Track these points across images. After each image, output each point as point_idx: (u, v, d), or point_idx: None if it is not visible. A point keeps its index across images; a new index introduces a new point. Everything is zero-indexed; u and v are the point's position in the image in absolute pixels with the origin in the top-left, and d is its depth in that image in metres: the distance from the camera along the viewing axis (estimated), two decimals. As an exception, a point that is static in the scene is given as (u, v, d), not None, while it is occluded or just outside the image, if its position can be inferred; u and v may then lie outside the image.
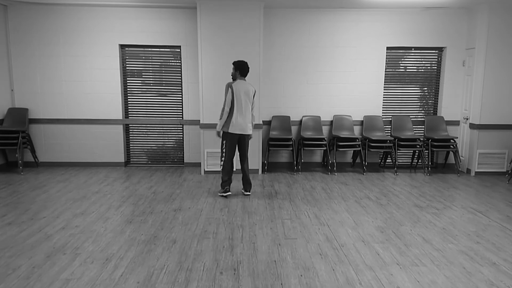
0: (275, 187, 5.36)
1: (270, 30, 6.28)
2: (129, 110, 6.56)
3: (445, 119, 6.49)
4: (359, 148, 6.15)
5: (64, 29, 6.19)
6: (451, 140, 6.24)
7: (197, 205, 4.50)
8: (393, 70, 6.62)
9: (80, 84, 6.32)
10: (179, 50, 6.36)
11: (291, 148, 6.14)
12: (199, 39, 5.80)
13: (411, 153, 6.71)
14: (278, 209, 4.39)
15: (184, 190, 5.14)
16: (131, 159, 6.72)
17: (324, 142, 6.14)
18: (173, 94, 6.53)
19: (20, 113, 6.22)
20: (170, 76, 6.51)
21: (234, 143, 4.73)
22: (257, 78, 5.78)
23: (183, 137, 6.59)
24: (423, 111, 6.76)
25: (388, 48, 6.44)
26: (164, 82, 6.57)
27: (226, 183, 4.81)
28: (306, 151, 6.61)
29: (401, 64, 6.69)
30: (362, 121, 6.50)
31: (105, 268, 2.94)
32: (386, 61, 6.46)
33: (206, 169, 6.08)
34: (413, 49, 6.55)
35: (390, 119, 6.59)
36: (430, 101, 6.74)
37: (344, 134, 6.24)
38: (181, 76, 6.41)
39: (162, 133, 6.68)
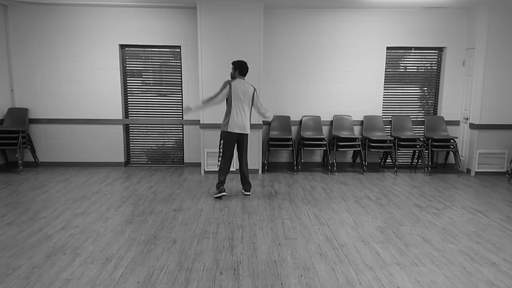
0: (275, 187, 5.36)
1: (270, 30, 6.28)
2: (129, 110, 6.56)
3: (445, 119, 6.49)
4: (359, 148, 6.15)
5: (64, 29, 6.19)
6: (451, 140, 6.24)
7: (197, 205, 4.50)
8: (393, 70, 6.62)
9: (80, 84, 6.32)
10: (179, 50, 6.36)
11: (291, 148, 6.14)
12: (199, 39, 5.80)
13: (411, 153, 6.71)
14: (278, 209, 4.39)
15: (184, 190, 5.14)
16: (131, 159, 6.72)
17: (324, 142, 6.14)
18: (173, 94, 6.53)
19: (20, 113, 6.22)
20: (170, 76, 6.51)
21: (232, 142, 4.72)
22: (257, 78, 5.78)
23: (183, 137, 6.59)
24: (423, 111, 6.76)
25: (388, 48, 6.44)
26: (164, 82, 6.57)
27: (221, 184, 4.78)
28: (306, 151, 6.61)
29: (401, 64, 6.69)
30: (362, 121, 6.51)
31: (105, 268, 2.94)
32: (386, 61, 6.46)
33: (206, 169, 6.08)
34: (413, 49, 6.55)
35: (390, 119, 6.59)
36: (430, 101, 6.74)
37: (344, 134, 6.24)
38: (181, 76, 6.41)
39: (162, 133, 6.68)
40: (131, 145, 6.68)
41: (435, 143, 6.21)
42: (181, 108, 6.50)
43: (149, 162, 6.73)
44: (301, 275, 2.87)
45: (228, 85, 4.59)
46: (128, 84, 6.51)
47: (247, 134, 4.77)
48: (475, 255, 3.25)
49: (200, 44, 5.81)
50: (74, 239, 3.49)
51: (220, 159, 4.78)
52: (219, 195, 4.75)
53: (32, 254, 3.16)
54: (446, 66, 6.44)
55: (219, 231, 3.73)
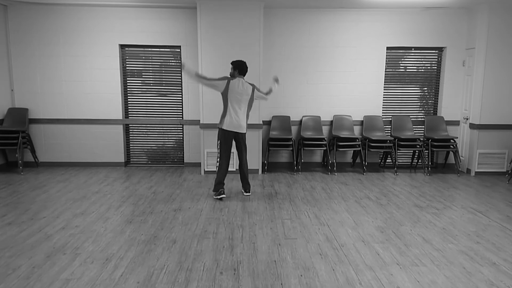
0: (275, 187, 5.36)
1: (270, 30, 6.28)
2: (129, 110, 6.56)
3: (445, 119, 6.49)
4: (359, 148, 6.15)
5: (64, 29, 6.19)
6: (451, 140, 6.24)
7: (197, 205, 4.50)
8: (393, 70, 6.62)
9: (80, 84, 6.32)
10: (179, 50, 6.36)
11: (291, 148, 6.14)
12: (199, 39, 5.80)
13: (411, 153, 6.71)
14: (278, 209, 4.39)
15: (184, 190, 5.14)
16: (131, 159, 6.72)
17: (324, 142, 6.14)
18: (173, 94, 6.54)
19: (20, 113, 6.22)
20: (170, 76, 6.51)
21: (229, 140, 4.69)
22: (257, 78, 5.78)
23: (183, 137, 6.59)
24: (423, 111, 6.77)
25: (388, 48, 6.44)
26: (164, 82, 6.57)
27: (220, 185, 4.73)
28: (306, 151, 6.61)
29: (401, 64, 6.69)
30: (362, 121, 6.51)
31: (105, 268, 2.94)
32: (386, 61, 6.46)
33: (206, 169, 6.08)
34: (413, 49, 6.55)
35: (390, 119, 6.59)
36: (430, 101, 6.74)
37: (344, 134, 6.24)
38: (181, 76, 6.41)
39: (162, 133, 6.68)
40: (131, 145, 6.68)
41: (435, 143, 6.21)
42: (181, 108, 6.50)
43: (149, 162, 6.73)
44: (301, 275, 2.87)
45: (226, 80, 4.57)
46: (128, 84, 6.51)
47: (244, 133, 4.75)
48: (475, 255, 3.25)
49: (200, 44, 5.81)
50: (74, 239, 3.49)
51: (218, 159, 4.76)
52: (218, 197, 4.72)
53: (32, 254, 3.16)
54: (446, 66, 6.44)
55: (219, 231, 3.73)
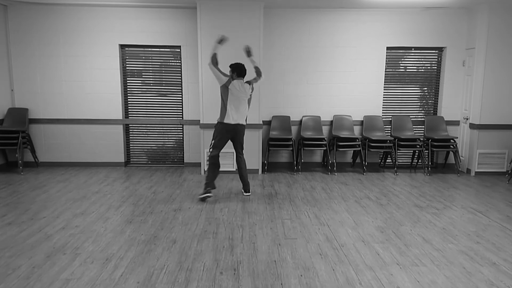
0: (275, 187, 5.36)
1: (270, 30, 6.28)
2: (129, 110, 6.56)
3: (445, 119, 6.49)
4: (359, 148, 6.15)
5: (64, 29, 6.19)
6: (451, 140, 6.24)
7: (197, 205, 4.50)
8: (393, 70, 6.62)
9: (80, 84, 6.32)
10: (179, 50, 6.36)
11: (291, 148, 6.14)
12: (199, 39, 5.80)
13: (411, 153, 6.71)
14: (278, 209, 4.39)
15: (184, 190, 5.14)
16: (131, 159, 6.72)
17: (324, 142, 6.14)
18: (173, 94, 6.54)
19: (20, 113, 6.22)
20: (170, 76, 6.51)
21: (227, 133, 4.64)
22: (257, 78, 5.77)
23: (183, 137, 6.59)
24: (423, 111, 6.77)
25: (388, 48, 6.44)
26: (164, 82, 6.57)
27: (210, 184, 4.67)
28: (306, 151, 6.61)
29: (401, 64, 6.69)
30: (362, 121, 6.51)
31: (105, 268, 2.94)
32: (386, 61, 6.46)
33: (206, 169, 6.07)
34: (413, 49, 6.55)
35: (390, 119, 6.59)
36: (430, 101, 6.74)
37: (344, 134, 6.24)
38: (181, 76, 6.41)
39: (162, 133, 6.68)
40: (131, 145, 6.68)
41: (435, 143, 6.21)
42: (181, 108, 6.50)
43: (149, 162, 6.73)
44: (301, 275, 2.87)
45: (228, 78, 4.56)
46: (128, 84, 6.51)
47: (244, 125, 4.70)
48: (475, 255, 3.25)
49: (200, 44, 5.81)
50: (74, 239, 3.49)
51: (210, 149, 4.70)
52: (204, 196, 4.62)
53: (32, 254, 3.16)
54: (446, 66, 6.44)
55: (219, 231, 3.73)
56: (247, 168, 4.93)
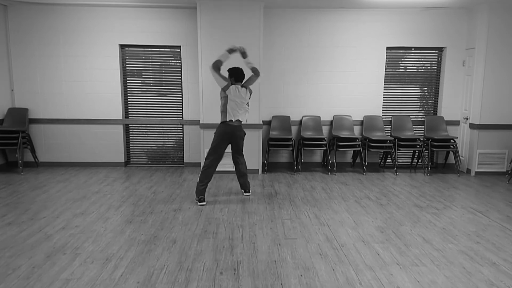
0: (275, 187, 5.36)
1: (270, 30, 6.28)
2: (129, 110, 6.56)
3: (445, 119, 6.49)
4: (359, 148, 6.15)
5: (64, 29, 6.19)
6: (451, 140, 6.24)
7: (197, 205, 4.50)
8: (393, 70, 6.62)
9: (80, 84, 6.32)
10: (179, 50, 6.36)
11: (291, 148, 6.14)
12: (199, 39, 5.80)
13: (411, 153, 6.71)
14: (278, 209, 4.39)
15: (184, 190, 5.14)
16: (131, 159, 6.72)
17: (324, 142, 6.14)
18: (173, 94, 6.54)
19: (20, 113, 6.22)
20: (170, 76, 6.51)
21: (226, 137, 4.56)
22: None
23: (183, 137, 6.59)
24: (423, 111, 6.77)
25: (388, 48, 6.44)
26: (164, 82, 6.57)
27: (203, 191, 4.57)
28: (306, 151, 6.61)
29: (401, 64, 6.69)
30: (362, 121, 6.51)
31: (105, 268, 2.94)
32: (386, 61, 6.46)
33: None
34: (413, 49, 6.55)
35: (390, 119, 6.59)
36: (430, 101, 6.74)
37: (344, 134, 6.24)
38: (181, 76, 6.42)
39: (162, 133, 6.68)
40: (131, 145, 6.68)
41: (435, 143, 6.21)
42: (181, 108, 6.50)
43: (149, 162, 6.73)
44: (301, 275, 2.87)
45: (227, 83, 4.50)
46: (128, 84, 6.51)
47: (243, 131, 4.65)
48: (475, 255, 3.25)
49: (200, 44, 5.81)
50: (74, 239, 3.49)
51: (208, 156, 4.56)
52: (200, 204, 4.52)
53: (32, 254, 3.16)
54: (446, 66, 6.44)
55: (219, 231, 3.73)
56: (247, 168, 4.91)
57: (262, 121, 6.12)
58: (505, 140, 6.11)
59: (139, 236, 3.58)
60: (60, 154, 6.47)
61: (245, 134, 4.73)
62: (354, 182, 5.66)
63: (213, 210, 4.35)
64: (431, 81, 6.66)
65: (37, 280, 2.75)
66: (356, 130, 6.55)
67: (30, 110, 6.33)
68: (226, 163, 5.79)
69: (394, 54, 6.56)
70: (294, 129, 6.51)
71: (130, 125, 6.61)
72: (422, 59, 6.64)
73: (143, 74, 6.59)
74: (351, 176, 5.99)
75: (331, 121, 6.50)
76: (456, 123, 6.56)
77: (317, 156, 6.71)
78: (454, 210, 4.44)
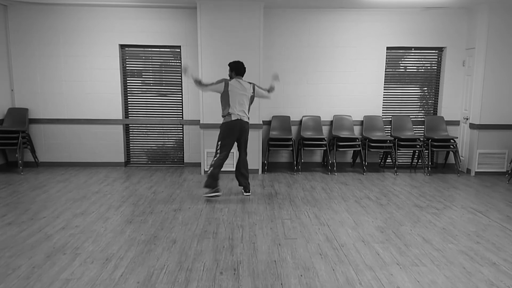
0: (275, 187, 5.36)
1: (270, 30, 6.28)
2: (129, 110, 6.56)
3: (445, 119, 6.49)
4: (359, 148, 6.15)
5: (64, 29, 6.19)
6: (451, 140, 6.24)
7: (197, 205, 4.50)
8: (393, 70, 6.62)
9: (80, 84, 6.32)
10: (179, 50, 6.36)
11: (291, 148, 6.14)
12: (199, 39, 5.80)
13: (411, 153, 6.71)
14: (278, 209, 4.39)
15: (184, 190, 5.14)
16: (131, 159, 6.72)
17: (324, 142, 6.14)
18: (173, 94, 6.54)
19: (20, 113, 6.22)
20: (170, 76, 6.51)
21: (233, 133, 4.59)
22: (257, 78, 5.77)
23: (183, 137, 6.59)
24: (423, 111, 6.77)
25: (388, 48, 6.44)
26: (164, 82, 6.57)
27: (216, 181, 4.64)
28: (306, 151, 6.61)
29: (401, 64, 6.69)
30: (362, 121, 6.51)
31: (105, 268, 2.94)
32: (386, 61, 6.46)
33: (206, 169, 6.08)
34: (413, 49, 6.55)
35: (390, 119, 6.59)
36: (430, 101, 6.74)
37: (344, 134, 6.24)
38: (181, 76, 6.41)
39: (162, 133, 6.68)
40: (131, 145, 6.68)
41: (435, 143, 6.21)
42: (181, 108, 6.51)
43: (149, 162, 6.73)
44: (301, 275, 2.87)
45: (223, 82, 4.54)
46: (128, 84, 6.52)
47: (248, 122, 4.67)
48: (475, 255, 3.25)
49: (200, 44, 5.81)
50: (74, 239, 3.49)
51: (218, 151, 4.62)
52: (212, 194, 4.64)
53: (32, 254, 3.16)
54: (446, 66, 6.44)
55: (219, 231, 3.73)
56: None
57: (262, 121, 6.12)
58: (505, 140, 6.11)
59: (139, 236, 3.58)
60: (60, 154, 6.47)
61: (249, 125, 4.74)
62: (354, 182, 5.66)
63: (213, 210, 4.35)
64: (431, 81, 6.66)
65: (37, 280, 2.75)
66: (356, 130, 6.55)
67: (30, 110, 6.33)
68: (227, 163, 5.78)
69: (394, 54, 6.56)
70: (294, 129, 6.51)
71: (130, 125, 6.61)
72: (422, 59, 6.64)
73: (143, 74, 6.59)
74: (351, 176, 5.99)
75: (331, 121, 6.50)
76: (456, 123, 6.56)
77: (317, 156, 6.71)
78: (454, 210, 4.44)
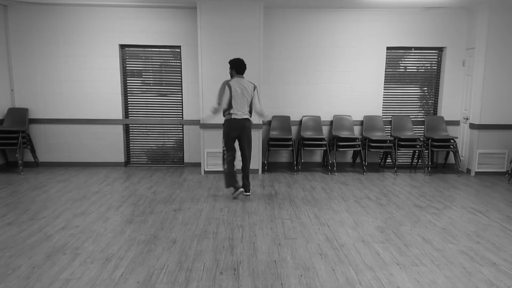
0: (275, 187, 5.36)
1: (270, 30, 6.28)
2: (129, 110, 6.56)
3: (445, 119, 6.49)
4: (359, 148, 6.15)
5: (64, 29, 6.19)
6: (451, 140, 6.24)
7: (197, 205, 4.50)
8: (393, 70, 6.62)
9: (80, 84, 6.32)
10: (179, 50, 6.36)
11: (291, 148, 6.14)
12: (199, 39, 5.80)
13: (411, 153, 6.71)
14: (278, 209, 4.39)
15: (184, 190, 5.14)
16: (131, 159, 6.72)
17: (324, 142, 6.14)
18: (173, 94, 6.54)
19: (20, 113, 6.22)
20: (170, 76, 6.51)
21: (234, 131, 4.62)
22: (257, 78, 5.78)
23: (183, 137, 6.59)
24: (423, 111, 6.77)
25: (388, 48, 6.44)
26: (164, 82, 6.57)
27: (235, 179, 4.67)
28: (306, 151, 6.61)
29: (401, 64, 6.69)
30: (362, 121, 6.51)
31: (105, 268, 2.94)
32: (386, 61, 6.46)
33: (206, 169, 6.08)
34: (413, 49, 6.55)
35: (390, 119, 6.59)
36: (430, 101, 6.74)
37: (344, 134, 6.24)
38: (181, 76, 6.42)
39: (162, 133, 6.68)
40: (131, 145, 6.68)
41: (435, 143, 6.21)
42: (181, 108, 6.51)
43: (149, 162, 6.73)
44: (301, 275, 2.87)
45: (226, 87, 4.55)
46: (128, 84, 6.51)
47: (250, 120, 4.69)
48: (475, 255, 3.25)
49: (200, 44, 5.81)
50: (74, 239, 3.49)
51: (224, 151, 4.69)
52: (238, 193, 4.69)
53: (32, 254, 3.16)
54: (446, 66, 6.44)
55: (219, 231, 3.73)
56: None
57: (262, 121, 6.12)
58: (505, 140, 6.11)
59: (139, 236, 3.58)
60: (60, 154, 6.47)
61: (251, 124, 4.75)
62: (354, 182, 5.66)
63: (213, 210, 4.35)
64: (431, 81, 6.66)
65: (37, 280, 2.75)
66: (356, 130, 6.55)
67: (30, 110, 6.33)
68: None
69: (394, 54, 6.56)
70: (294, 129, 6.51)
71: (130, 125, 6.61)
72: (422, 59, 6.64)
73: (143, 74, 6.59)
74: (351, 176, 5.99)
75: (331, 121, 6.50)
76: (456, 123, 6.56)
77: (317, 156, 6.71)
78: (454, 210, 4.44)
